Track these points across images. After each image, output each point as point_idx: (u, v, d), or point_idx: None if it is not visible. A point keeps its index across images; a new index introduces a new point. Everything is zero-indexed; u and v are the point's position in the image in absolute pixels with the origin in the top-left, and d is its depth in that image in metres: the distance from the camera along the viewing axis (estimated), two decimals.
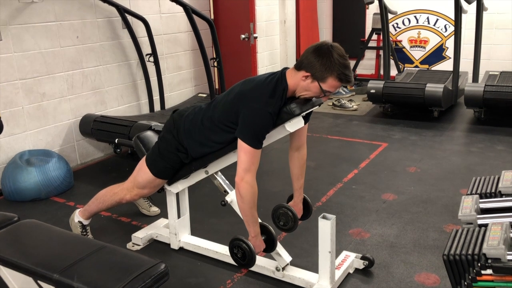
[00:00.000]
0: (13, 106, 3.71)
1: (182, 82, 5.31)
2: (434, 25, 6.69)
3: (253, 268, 2.55)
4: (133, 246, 2.87)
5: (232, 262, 2.60)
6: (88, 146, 4.37)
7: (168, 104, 5.01)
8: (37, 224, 2.12)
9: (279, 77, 2.17)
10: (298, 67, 2.15)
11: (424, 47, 6.84)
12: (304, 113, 2.22)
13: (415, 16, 6.78)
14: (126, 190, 2.59)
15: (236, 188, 2.21)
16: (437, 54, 6.77)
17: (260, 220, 2.35)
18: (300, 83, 2.14)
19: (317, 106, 2.30)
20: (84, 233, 2.78)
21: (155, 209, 3.27)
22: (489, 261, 1.57)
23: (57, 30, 3.94)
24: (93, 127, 4.05)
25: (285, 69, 2.23)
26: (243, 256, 2.28)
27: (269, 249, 2.39)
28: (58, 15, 3.93)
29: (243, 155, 2.15)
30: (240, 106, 2.15)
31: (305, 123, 2.32)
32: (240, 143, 2.14)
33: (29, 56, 3.76)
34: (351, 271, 2.54)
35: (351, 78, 2.14)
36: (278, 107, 2.14)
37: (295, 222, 2.50)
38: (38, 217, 2.50)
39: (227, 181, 2.53)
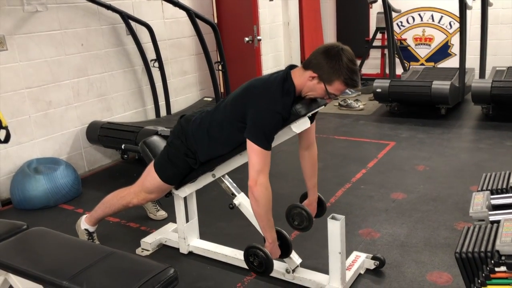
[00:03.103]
0: (20, 115, 3.73)
1: (187, 87, 5.32)
2: (439, 22, 6.65)
3: None
4: (142, 251, 2.86)
5: (242, 265, 2.59)
6: (96, 153, 4.38)
7: (174, 109, 5.01)
8: (46, 232, 2.12)
9: (285, 76, 2.15)
10: (306, 66, 2.13)
11: (429, 45, 6.80)
12: (310, 114, 2.21)
13: (419, 14, 6.75)
14: (133, 194, 2.58)
15: (250, 193, 2.14)
16: (443, 51, 6.73)
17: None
18: (307, 83, 2.12)
19: (323, 106, 2.29)
20: (91, 240, 2.77)
21: (162, 213, 3.27)
22: (503, 258, 1.55)
23: (62, 38, 3.96)
24: (100, 133, 4.06)
25: (290, 67, 2.21)
26: (260, 265, 2.23)
27: (284, 254, 2.36)
28: (62, 23, 3.95)
29: (254, 157, 2.11)
30: (247, 104, 2.13)
31: (311, 122, 2.30)
32: (249, 144, 2.11)
33: (34, 65, 3.78)
34: (362, 272, 2.52)
35: (358, 84, 2.13)
36: (288, 107, 2.12)
37: (309, 221, 2.47)
38: (47, 225, 2.50)
39: (234, 184, 2.52)
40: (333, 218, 2.20)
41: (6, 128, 2.99)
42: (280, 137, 2.26)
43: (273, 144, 2.29)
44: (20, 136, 3.74)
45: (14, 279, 1.91)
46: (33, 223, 2.45)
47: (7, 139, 3.02)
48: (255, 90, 2.16)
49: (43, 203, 3.55)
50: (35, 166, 3.68)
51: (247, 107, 2.13)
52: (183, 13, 4.50)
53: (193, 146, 2.37)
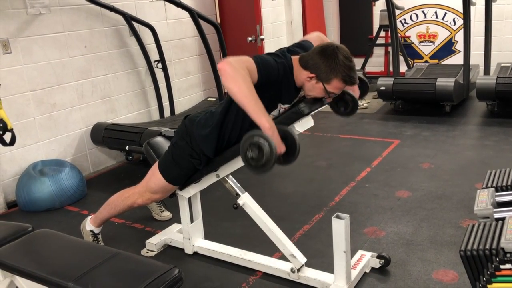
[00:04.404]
0: (25, 118, 3.74)
1: (191, 87, 5.32)
2: (443, 19, 6.62)
3: (268, 271, 2.54)
4: (147, 252, 2.87)
5: (247, 265, 2.60)
6: (100, 154, 4.40)
7: (178, 110, 5.02)
8: (51, 234, 2.13)
9: (285, 53, 2.19)
10: (303, 65, 2.14)
11: (433, 42, 6.77)
12: (313, 112, 2.21)
13: (422, 11, 6.72)
14: (138, 194, 2.59)
15: (222, 73, 1.92)
16: (447, 48, 6.70)
17: None
18: (305, 83, 2.15)
19: (326, 104, 2.29)
20: (96, 241, 2.78)
21: (166, 214, 3.28)
22: (508, 255, 1.54)
23: (65, 41, 3.98)
24: (104, 135, 4.08)
25: (288, 50, 2.25)
26: (260, 154, 1.89)
27: (291, 153, 2.03)
28: (65, 25, 3.96)
29: (241, 56, 2.01)
30: None
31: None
32: None
33: (38, 68, 3.79)
34: (368, 271, 2.51)
35: (356, 80, 2.14)
36: (286, 74, 2.13)
37: (354, 104, 2.34)
38: (53, 227, 2.52)
39: (238, 184, 2.52)
40: (337, 217, 2.20)
41: (11, 130, 3.01)
42: None
43: None
44: (25, 138, 3.76)
45: (20, 281, 1.92)
46: (38, 225, 2.46)
47: (12, 141, 3.04)
48: None
49: (49, 205, 3.57)
50: (40, 168, 3.70)
51: None
52: (186, 14, 4.51)
53: (198, 147, 2.36)
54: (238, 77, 1.90)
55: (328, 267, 2.42)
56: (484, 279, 1.59)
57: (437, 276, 2.43)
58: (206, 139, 2.32)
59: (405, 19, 6.84)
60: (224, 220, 3.20)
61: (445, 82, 5.04)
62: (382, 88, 5.37)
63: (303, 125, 2.19)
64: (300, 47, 2.33)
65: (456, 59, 6.49)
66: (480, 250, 1.60)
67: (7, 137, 3.02)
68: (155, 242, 2.87)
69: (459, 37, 6.32)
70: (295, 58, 2.20)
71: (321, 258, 2.63)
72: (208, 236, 2.88)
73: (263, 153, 1.89)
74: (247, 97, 1.92)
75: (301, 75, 2.16)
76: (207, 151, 2.35)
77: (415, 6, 6.72)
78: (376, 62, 7.15)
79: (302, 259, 2.44)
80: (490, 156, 3.98)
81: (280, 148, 1.96)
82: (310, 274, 2.42)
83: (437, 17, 6.65)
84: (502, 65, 5.56)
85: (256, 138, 1.90)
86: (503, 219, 1.74)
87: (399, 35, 6.32)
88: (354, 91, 2.40)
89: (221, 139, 2.30)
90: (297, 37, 6.66)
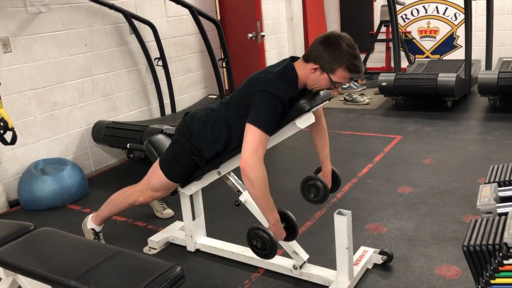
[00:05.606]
0: (26, 116, 3.74)
1: (191, 85, 5.32)
2: (444, 14, 6.60)
3: (270, 267, 2.54)
4: (149, 250, 2.87)
5: (249, 262, 2.60)
6: (102, 152, 4.40)
7: (179, 107, 5.01)
8: (53, 232, 2.13)
9: (287, 65, 2.15)
10: (306, 59, 2.13)
11: (435, 37, 6.75)
12: (314, 109, 2.20)
13: (423, 6, 6.70)
14: (139, 192, 2.58)
15: (243, 174, 2.04)
16: (448, 43, 6.68)
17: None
18: (310, 75, 2.12)
19: (327, 101, 2.28)
20: (97, 239, 2.78)
21: (168, 211, 3.28)
22: (511, 250, 1.53)
23: (66, 39, 3.97)
24: (106, 133, 4.07)
25: (292, 58, 2.21)
26: (263, 246, 2.16)
27: (290, 236, 2.28)
28: (65, 23, 3.96)
29: (250, 136, 2.03)
30: (250, 93, 2.11)
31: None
32: (247, 126, 2.05)
33: (39, 66, 3.79)
34: (370, 267, 2.51)
35: (361, 68, 2.10)
36: (290, 95, 2.10)
37: (325, 193, 2.44)
38: (55, 225, 2.52)
39: (240, 181, 2.51)
40: (339, 213, 2.19)
41: (12, 129, 3.02)
42: (285, 133, 2.25)
43: (278, 140, 2.29)
44: (26, 137, 3.76)
45: (22, 279, 1.92)
46: (40, 223, 2.47)
47: (13, 140, 3.05)
48: (258, 78, 2.14)
49: (50, 204, 3.57)
50: (41, 167, 3.70)
51: (251, 95, 2.11)
52: (186, 11, 4.50)
53: (198, 144, 2.36)
54: (255, 182, 2.04)
55: (331, 264, 2.42)
56: (487, 274, 1.58)
57: (440, 271, 2.42)
58: (210, 145, 2.33)
59: (406, 14, 6.82)
60: (226, 217, 3.20)
61: (446, 77, 5.02)
62: (384, 83, 5.36)
63: (304, 122, 2.17)
64: None
65: (458, 54, 6.48)
66: (483, 246, 1.59)
67: (8, 136, 3.02)
68: (157, 240, 2.87)
69: (461, 32, 6.30)
70: (298, 62, 2.17)
71: (323, 255, 2.62)
72: (210, 233, 2.88)
73: (266, 246, 2.15)
74: (259, 199, 2.11)
75: (305, 70, 2.12)
76: (206, 154, 2.36)
77: (416, 1, 6.71)
78: (377, 57, 7.14)
79: (305, 256, 2.44)
80: (492, 151, 3.97)
81: (281, 236, 2.22)
82: (313, 271, 2.41)
83: (438, 12, 6.62)
84: (504, 59, 5.55)
85: (261, 232, 2.15)
86: (506, 214, 1.73)
87: (400, 30, 6.30)
88: (327, 180, 2.48)
89: (225, 148, 2.33)
90: (298, 34, 6.66)
